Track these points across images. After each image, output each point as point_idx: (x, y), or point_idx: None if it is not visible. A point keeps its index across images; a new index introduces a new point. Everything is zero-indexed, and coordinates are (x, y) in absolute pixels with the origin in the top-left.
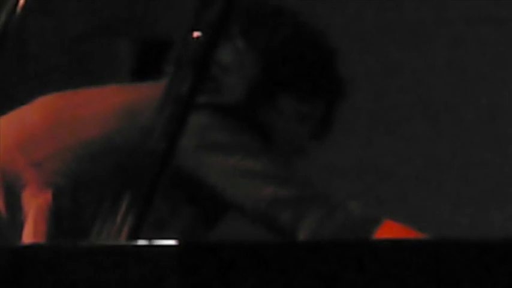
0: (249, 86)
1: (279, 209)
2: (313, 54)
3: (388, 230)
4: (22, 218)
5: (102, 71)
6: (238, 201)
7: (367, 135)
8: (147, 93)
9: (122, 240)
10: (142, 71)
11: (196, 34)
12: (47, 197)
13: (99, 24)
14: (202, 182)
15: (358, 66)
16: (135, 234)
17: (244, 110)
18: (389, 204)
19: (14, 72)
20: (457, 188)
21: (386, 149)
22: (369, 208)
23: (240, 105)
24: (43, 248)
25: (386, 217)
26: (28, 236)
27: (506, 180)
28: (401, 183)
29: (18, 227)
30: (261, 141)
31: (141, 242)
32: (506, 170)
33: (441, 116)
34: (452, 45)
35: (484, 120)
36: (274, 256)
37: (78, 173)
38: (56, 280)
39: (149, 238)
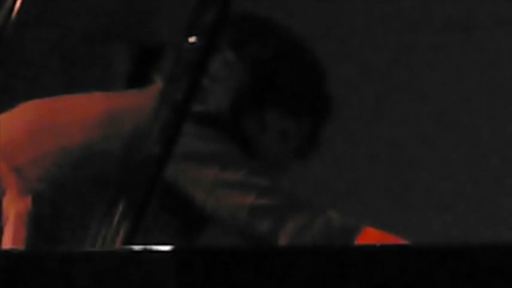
0: (235, 97)
1: (258, 219)
2: (302, 71)
3: (368, 238)
4: (1, 223)
5: (98, 77)
6: (218, 211)
7: (348, 145)
8: (131, 101)
9: (117, 246)
10: (138, 77)
11: (192, 39)
12: (26, 203)
13: (95, 30)
14: (181, 191)
15: (348, 84)
16: (130, 240)
17: (228, 121)
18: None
19: (9, 77)
20: (438, 195)
21: (367, 159)
22: (348, 216)
23: (224, 116)
24: (38, 254)
25: (366, 224)
26: (6, 241)
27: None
28: (381, 191)
29: None
30: (242, 153)
31: (137, 248)
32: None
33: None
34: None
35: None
36: (270, 261)
37: (58, 179)
38: (52, 286)
39: (144, 244)
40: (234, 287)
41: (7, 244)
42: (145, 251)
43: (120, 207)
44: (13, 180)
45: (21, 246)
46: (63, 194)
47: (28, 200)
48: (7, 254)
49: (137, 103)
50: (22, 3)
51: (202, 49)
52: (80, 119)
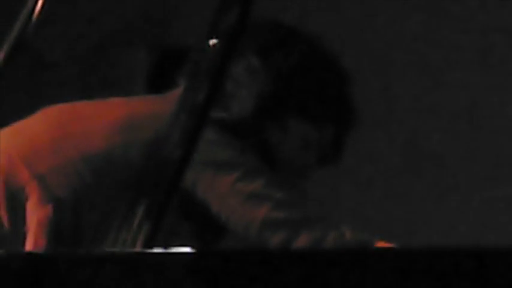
0: (258, 104)
1: (270, 231)
2: (327, 79)
3: None
4: (24, 230)
5: (119, 81)
6: (231, 220)
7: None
8: (152, 106)
9: (138, 249)
10: (159, 80)
11: (212, 42)
12: (48, 210)
13: (116, 34)
14: (199, 197)
15: (372, 94)
16: (150, 242)
17: (250, 128)
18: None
19: (30, 81)
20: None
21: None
22: (361, 231)
23: (246, 123)
24: (60, 256)
25: (378, 238)
26: (28, 248)
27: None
28: (395, 206)
29: (21, 239)
30: (262, 162)
31: (157, 250)
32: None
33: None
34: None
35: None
36: (288, 264)
37: (80, 187)
38: (74, 287)
39: (165, 246)
40: None
41: (28, 249)
42: (165, 253)
43: (141, 210)
44: (35, 187)
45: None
46: (85, 201)
47: (50, 208)
48: (28, 256)
49: (158, 108)
50: (42, 6)
51: (223, 52)
52: (101, 126)
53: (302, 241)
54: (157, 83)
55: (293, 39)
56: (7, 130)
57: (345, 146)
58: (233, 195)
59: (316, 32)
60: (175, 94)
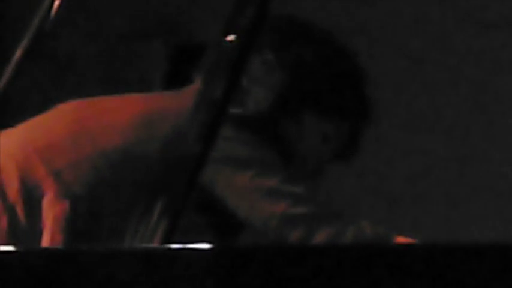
0: (274, 100)
1: (289, 227)
2: (342, 74)
3: None
4: (41, 225)
5: (136, 76)
6: (249, 216)
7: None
8: (169, 102)
9: (156, 244)
10: (176, 76)
11: (230, 37)
12: (64, 206)
13: (133, 29)
14: (216, 194)
15: (388, 88)
16: (168, 239)
17: (267, 124)
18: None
19: (48, 77)
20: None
21: (402, 168)
22: (380, 226)
23: (262, 119)
24: (79, 252)
25: (398, 233)
26: (45, 244)
27: None
28: (415, 201)
29: (37, 235)
30: (279, 158)
31: (175, 246)
32: None
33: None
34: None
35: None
36: (308, 259)
37: (96, 182)
38: (90, 284)
39: (183, 242)
40: (272, 286)
41: (45, 245)
42: (183, 249)
43: (159, 206)
44: (51, 183)
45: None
46: (101, 197)
47: (66, 204)
48: (48, 252)
49: (175, 104)
50: (61, 2)
51: (240, 47)
52: (118, 122)
53: (321, 236)
54: (175, 79)
55: (308, 34)
56: (24, 125)
57: (361, 141)
58: (251, 192)
59: (331, 26)
60: (191, 90)
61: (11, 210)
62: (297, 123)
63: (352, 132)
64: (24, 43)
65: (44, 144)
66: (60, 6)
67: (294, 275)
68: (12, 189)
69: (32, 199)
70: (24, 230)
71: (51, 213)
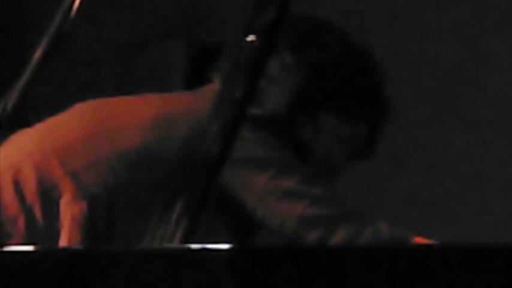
0: (291, 100)
1: (307, 228)
2: (360, 74)
3: None
4: (58, 226)
5: (156, 77)
6: (267, 217)
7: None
8: (186, 103)
9: (176, 245)
10: (196, 76)
11: (250, 38)
12: (82, 207)
13: (154, 30)
14: (233, 195)
15: (405, 89)
16: (188, 239)
17: (284, 124)
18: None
19: (67, 77)
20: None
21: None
22: (398, 227)
23: (280, 119)
24: (99, 252)
25: (416, 235)
26: (62, 245)
27: None
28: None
29: (55, 235)
30: (297, 158)
31: (195, 246)
32: None
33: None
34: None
35: None
36: (329, 261)
37: (114, 184)
38: (110, 284)
39: (202, 242)
40: (289, 285)
41: (63, 246)
42: (203, 249)
43: (179, 206)
44: (69, 184)
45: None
46: (118, 197)
47: (83, 204)
48: (67, 251)
49: (192, 105)
50: (81, 2)
51: (260, 48)
52: (135, 122)
53: (338, 237)
54: (195, 80)
55: (326, 35)
56: (41, 125)
57: (377, 141)
58: (269, 193)
59: (350, 27)
60: (208, 90)
61: (28, 211)
62: (314, 124)
63: (369, 133)
64: (43, 43)
65: (62, 145)
66: (80, 6)
67: (312, 276)
68: (30, 189)
69: (49, 199)
70: (42, 230)
71: (69, 213)
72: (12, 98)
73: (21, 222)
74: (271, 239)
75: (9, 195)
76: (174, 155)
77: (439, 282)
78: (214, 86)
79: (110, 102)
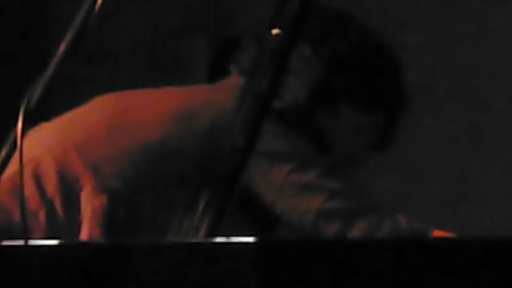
0: (310, 92)
1: (326, 221)
2: (379, 65)
3: None
4: (79, 219)
5: (179, 70)
6: (286, 211)
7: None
8: (206, 96)
9: (200, 238)
10: (219, 69)
11: (275, 31)
12: (102, 200)
13: (176, 23)
14: (253, 188)
15: (425, 79)
16: (213, 232)
17: (303, 116)
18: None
19: (92, 71)
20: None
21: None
22: (417, 219)
23: (299, 111)
24: (124, 246)
25: (435, 228)
26: (83, 238)
27: None
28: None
29: (76, 229)
30: (316, 150)
31: (219, 240)
32: None
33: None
34: None
35: None
36: (353, 254)
37: (134, 177)
38: (135, 277)
39: (227, 235)
40: (315, 279)
41: (83, 239)
42: (228, 242)
43: (203, 200)
44: (89, 177)
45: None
46: (139, 191)
47: (104, 198)
48: (91, 245)
49: (212, 98)
50: None
51: (285, 41)
52: (156, 116)
53: (357, 230)
54: (218, 73)
55: (345, 26)
56: (60, 120)
57: (397, 133)
58: (288, 186)
59: (368, 19)
60: (227, 83)
61: (49, 204)
62: (334, 115)
63: (388, 124)
64: (68, 38)
65: (82, 138)
66: (103, 2)
67: (335, 269)
68: (51, 183)
69: (70, 193)
70: (63, 224)
71: (89, 206)
72: (36, 93)
73: (42, 216)
74: (289, 233)
75: (29, 189)
76: (195, 149)
77: (459, 274)
78: (233, 79)
79: (130, 95)
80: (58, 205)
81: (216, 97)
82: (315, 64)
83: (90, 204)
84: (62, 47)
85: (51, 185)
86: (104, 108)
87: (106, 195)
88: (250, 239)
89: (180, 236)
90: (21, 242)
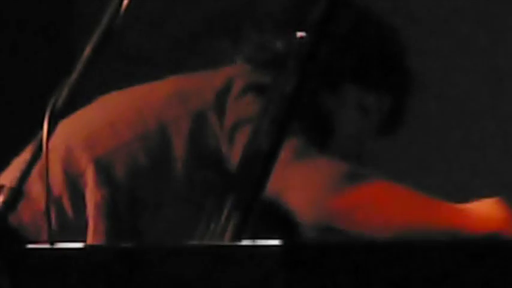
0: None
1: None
2: (380, 45)
3: (375, 189)
4: (86, 216)
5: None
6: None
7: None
8: (202, 79)
9: (226, 240)
10: None
11: (300, 34)
12: (104, 193)
13: (201, 23)
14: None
15: (428, 61)
16: (239, 235)
17: (306, 97)
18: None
19: (117, 73)
20: None
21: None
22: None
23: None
24: (150, 248)
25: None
26: (89, 235)
27: None
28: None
29: (84, 226)
30: (319, 132)
31: (245, 242)
32: None
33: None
34: None
35: None
36: (377, 257)
37: (134, 168)
38: (163, 279)
39: (252, 238)
40: (340, 281)
41: (89, 237)
42: (253, 245)
43: (229, 202)
44: (92, 171)
45: (100, 237)
46: (140, 183)
47: (105, 191)
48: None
49: (208, 81)
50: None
51: (311, 44)
52: (152, 103)
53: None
54: None
55: (345, 5)
56: (66, 120)
57: (404, 115)
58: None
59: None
60: (228, 70)
61: (57, 203)
62: (337, 95)
63: (395, 107)
64: (93, 40)
65: (86, 135)
66: (130, 2)
67: (360, 271)
68: (57, 181)
69: (76, 190)
70: (72, 222)
71: (93, 201)
72: (62, 95)
73: (51, 215)
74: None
75: (37, 190)
76: (189, 129)
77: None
78: (236, 68)
79: (132, 90)
80: (66, 203)
81: (212, 81)
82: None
83: (93, 198)
84: (88, 50)
85: (57, 184)
86: (107, 104)
87: (108, 188)
88: (276, 242)
89: (205, 239)
90: (46, 245)
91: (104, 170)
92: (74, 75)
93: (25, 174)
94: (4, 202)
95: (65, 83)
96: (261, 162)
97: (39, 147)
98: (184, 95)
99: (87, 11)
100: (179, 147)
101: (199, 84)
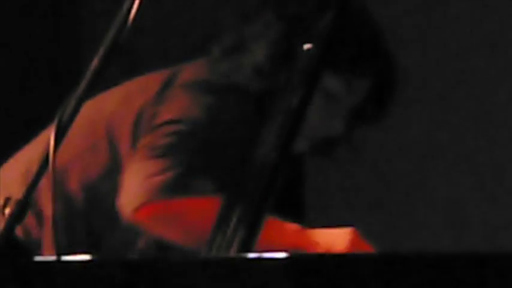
0: (272, 57)
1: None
2: (362, 33)
3: None
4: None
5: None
6: None
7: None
8: (148, 79)
9: (232, 254)
10: None
11: (306, 46)
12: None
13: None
14: None
15: (411, 52)
16: (245, 248)
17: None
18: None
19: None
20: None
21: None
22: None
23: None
24: (154, 261)
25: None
26: (44, 247)
27: None
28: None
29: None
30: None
31: (251, 256)
32: None
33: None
34: None
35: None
36: (382, 270)
37: (87, 178)
38: None
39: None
40: None
41: (44, 248)
42: (260, 258)
43: (236, 215)
44: (49, 183)
45: (52, 250)
46: (93, 194)
47: (58, 203)
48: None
49: (153, 80)
50: (139, 7)
51: (317, 55)
52: (102, 111)
53: None
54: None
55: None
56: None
57: (389, 103)
58: None
59: None
60: (202, 63)
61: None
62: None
63: (373, 92)
64: (100, 53)
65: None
66: (138, 10)
67: (363, 284)
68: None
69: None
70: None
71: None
72: (69, 108)
73: (48, 231)
74: None
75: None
76: (131, 129)
77: None
78: (188, 65)
79: (99, 97)
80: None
81: (158, 78)
82: (277, 27)
83: (47, 211)
84: (94, 63)
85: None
86: (87, 108)
87: (61, 201)
88: (282, 255)
89: (212, 252)
90: (53, 258)
91: (58, 181)
92: (81, 88)
93: (32, 186)
94: (11, 214)
95: (72, 96)
96: (267, 175)
97: (46, 160)
98: (130, 96)
99: (94, 26)
100: (124, 148)
101: (146, 83)
